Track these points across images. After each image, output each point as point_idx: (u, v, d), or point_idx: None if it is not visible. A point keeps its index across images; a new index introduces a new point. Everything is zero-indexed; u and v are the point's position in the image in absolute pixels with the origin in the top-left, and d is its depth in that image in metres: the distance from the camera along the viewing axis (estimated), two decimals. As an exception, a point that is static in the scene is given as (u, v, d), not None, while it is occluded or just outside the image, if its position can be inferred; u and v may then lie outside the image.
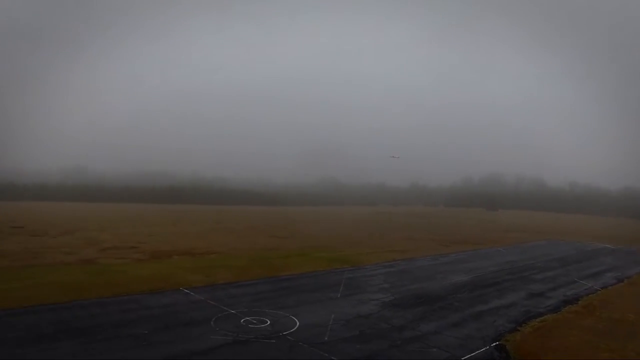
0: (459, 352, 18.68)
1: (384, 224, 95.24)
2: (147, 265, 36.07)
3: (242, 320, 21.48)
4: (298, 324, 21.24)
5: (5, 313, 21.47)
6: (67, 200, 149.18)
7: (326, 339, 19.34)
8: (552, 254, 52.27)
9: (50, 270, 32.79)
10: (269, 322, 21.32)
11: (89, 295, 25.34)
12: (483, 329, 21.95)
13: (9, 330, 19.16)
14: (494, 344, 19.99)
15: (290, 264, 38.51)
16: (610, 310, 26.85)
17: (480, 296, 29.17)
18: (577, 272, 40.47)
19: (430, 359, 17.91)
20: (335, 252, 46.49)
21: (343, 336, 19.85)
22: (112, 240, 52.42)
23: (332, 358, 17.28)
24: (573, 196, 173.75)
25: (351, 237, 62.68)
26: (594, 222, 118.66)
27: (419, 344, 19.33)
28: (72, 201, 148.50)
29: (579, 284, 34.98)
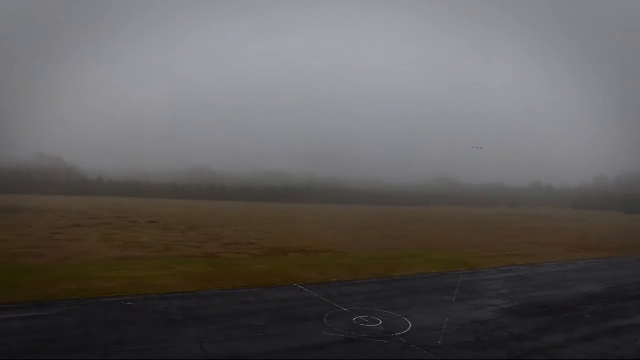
0: (590, 368, 16.91)
1: (503, 225, 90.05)
2: (264, 261, 37.76)
3: (354, 319, 21.50)
4: (411, 325, 20.75)
5: (143, 298, 23.77)
6: (193, 199, 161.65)
7: (440, 343, 18.64)
8: None
9: (179, 261, 35.71)
10: (380, 322, 21.09)
11: (212, 286, 27.14)
12: (621, 348, 19.59)
13: (147, 313, 21.17)
14: (634, 364, 17.78)
15: (403, 264, 37.90)
16: None
17: (618, 310, 26.05)
18: None
19: (556, 373, 16.44)
20: (451, 254, 44.88)
21: (458, 341, 18.97)
22: (232, 236, 55.77)
23: (447, 363, 16.61)
24: None
25: (468, 239, 60.17)
26: None
27: (542, 357, 17.81)
28: (198, 199, 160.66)
29: None
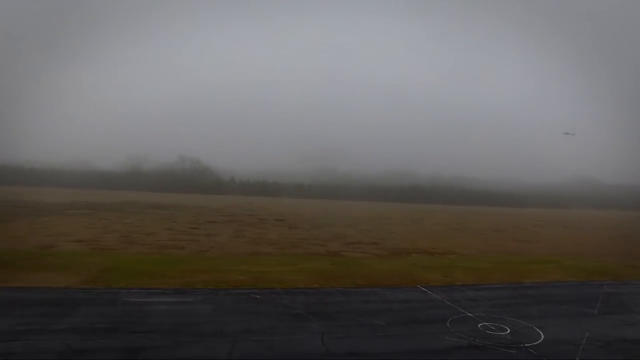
0: None
1: (658, 233, 79.40)
2: (386, 261, 37.59)
3: (479, 325, 20.46)
4: (543, 337, 19.16)
5: (269, 291, 25.04)
6: (318, 198, 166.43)
7: (578, 359, 16.94)
8: None
9: (303, 258, 36.99)
10: (508, 331, 19.79)
11: (335, 284, 27.68)
12: None
13: (273, 306, 22.28)
14: None
15: (535, 270, 35.21)
16: None
17: None
18: None
19: None
20: (591, 262, 40.67)
21: (600, 360, 17.09)
22: (356, 235, 56.38)
23: (586, 382, 15.05)
24: None
25: (613, 246, 54.07)
26: None
27: None
28: (323, 199, 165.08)
29: None
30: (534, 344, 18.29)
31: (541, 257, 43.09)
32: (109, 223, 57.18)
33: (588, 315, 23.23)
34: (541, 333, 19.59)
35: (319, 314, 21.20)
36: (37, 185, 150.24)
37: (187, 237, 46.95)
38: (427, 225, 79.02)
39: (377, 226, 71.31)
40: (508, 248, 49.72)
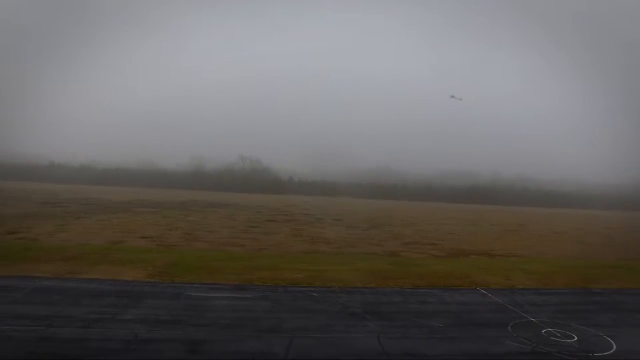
0: None
1: None
2: (444, 262, 36.84)
3: (543, 331, 19.63)
4: (615, 347, 18.09)
5: (326, 290, 25.20)
6: (375, 198, 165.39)
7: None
8: None
9: (360, 258, 36.92)
10: (575, 338, 18.85)
11: (392, 284, 27.45)
12: None
13: (330, 305, 22.42)
14: None
15: (605, 275, 33.29)
16: None
17: None
18: None
19: None
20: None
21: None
22: (413, 236, 55.61)
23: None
24: None
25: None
26: None
27: None
28: (379, 199, 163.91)
29: None
30: (605, 354, 17.33)
31: (608, 261, 40.67)
32: (172, 220, 59.47)
33: (666, 325, 21.74)
34: (613, 343, 18.52)
35: (376, 313, 21.12)
36: (108, 185, 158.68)
37: (246, 235, 48.06)
38: (487, 226, 76.66)
39: (434, 227, 69.99)
40: (573, 251, 47.34)
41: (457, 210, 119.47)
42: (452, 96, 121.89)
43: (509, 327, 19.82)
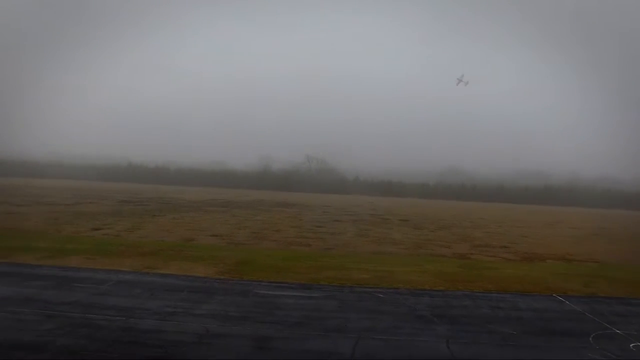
0: None
1: None
2: (517, 266, 35.28)
3: (631, 345, 18.20)
4: None
5: (393, 291, 24.87)
6: (443, 198, 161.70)
7: None
8: None
9: (428, 260, 36.17)
10: (668, 353, 17.36)
11: (461, 287, 26.63)
12: None
13: (397, 306, 22.11)
14: None
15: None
16: None
17: None
18: None
19: None
20: None
21: None
22: (483, 238, 53.76)
23: None
24: None
25: None
26: None
27: None
28: (448, 199, 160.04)
29: None
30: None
31: None
32: (241, 220, 61.17)
33: None
34: None
35: (444, 317, 20.55)
36: (181, 185, 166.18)
37: (312, 235, 48.49)
38: (564, 229, 72.58)
39: (506, 229, 67.25)
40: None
41: (531, 212, 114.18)
42: (460, 80, 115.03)
43: (591, 338, 18.56)
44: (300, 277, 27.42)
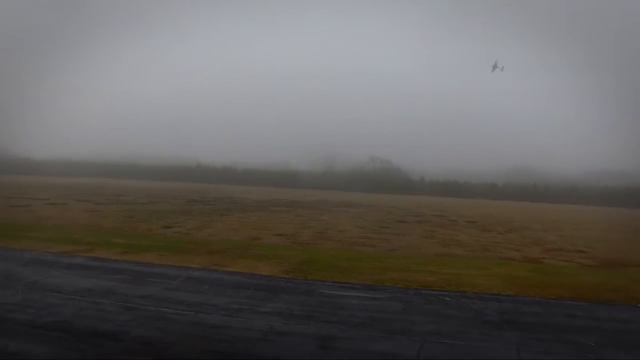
0: None
1: None
2: (595, 273, 33.18)
3: None
4: None
5: (460, 295, 24.16)
6: (513, 200, 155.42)
7: None
8: None
9: (496, 263, 34.85)
10: None
11: (532, 293, 25.38)
12: None
13: (463, 310, 21.45)
14: None
15: None
16: None
17: None
18: None
19: None
20: None
21: None
22: (557, 241, 51.13)
23: None
24: None
25: None
26: None
27: None
28: (518, 200, 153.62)
29: None
30: None
31: None
32: (305, 219, 61.86)
33: None
34: None
35: (515, 323, 19.66)
36: (247, 185, 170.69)
37: (377, 236, 48.14)
38: (649, 234, 67.58)
39: (582, 232, 63.50)
40: None
41: (609, 214, 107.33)
42: (495, 66, 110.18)
43: (680, 352, 17.12)
44: (365, 277, 27.28)
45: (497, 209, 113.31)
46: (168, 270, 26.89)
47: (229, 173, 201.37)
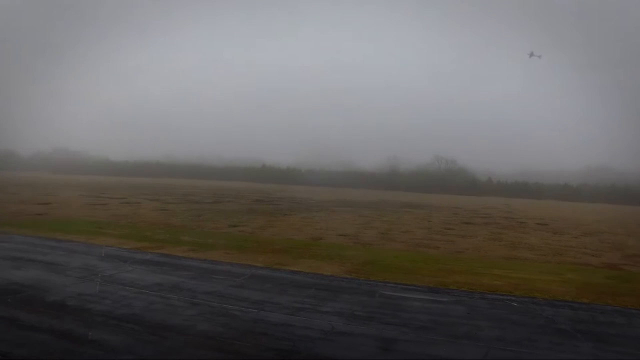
0: None
1: None
2: (683, 281, 30.60)
3: None
4: None
5: (528, 300, 23.06)
6: (588, 201, 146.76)
7: None
8: None
9: (570, 268, 32.98)
10: None
11: (610, 301, 23.77)
12: None
13: (532, 317, 20.47)
14: None
15: None
16: None
17: None
18: None
19: None
20: None
21: None
22: (639, 246, 47.69)
23: None
24: None
25: None
26: None
27: None
28: (594, 202, 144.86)
29: None
30: None
31: None
32: (368, 220, 61.55)
33: None
34: None
35: (590, 333, 18.48)
36: (311, 185, 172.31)
37: (441, 237, 47.07)
38: None
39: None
40: None
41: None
42: (532, 54, 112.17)
43: None
44: (428, 280, 26.72)
45: (571, 211, 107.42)
46: (232, 268, 27.65)
47: (293, 174, 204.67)
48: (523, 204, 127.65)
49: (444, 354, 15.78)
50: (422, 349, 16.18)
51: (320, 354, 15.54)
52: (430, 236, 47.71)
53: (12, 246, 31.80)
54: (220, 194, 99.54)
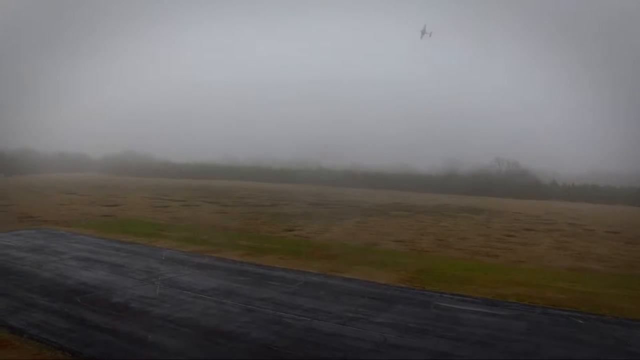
0: None
1: None
2: None
3: None
4: None
5: (596, 318, 21.71)
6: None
7: None
8: None
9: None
10: None
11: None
12: None
13: (600, 337, 19.26)
14: None
15: None
16: None
17: None
18: None
19: None
20: None
21: None
22: None
23: None
24: None
25: None
26: None
27: None
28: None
29: None
30: None
31: None
32: (425, 225, 60.30)
33: None
34: None
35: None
36: (367, 188, 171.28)
37: (501, 245, 45.34)
38: None
39: None
40: None
41: None
42: (423, 32, 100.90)
43: None
44: (486, 291, 25.76)
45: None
46: (287, 274, 27.90)
47: (349, 176, 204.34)
48: (591, 209, 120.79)
49: (501, 374, 15.13)
50: (479, 366, 15.59)
51: (371, 368, 15.34)
52: (489, 243, 46.09)
53: (82, 247, 33.78)
54: (277, 197, 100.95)
